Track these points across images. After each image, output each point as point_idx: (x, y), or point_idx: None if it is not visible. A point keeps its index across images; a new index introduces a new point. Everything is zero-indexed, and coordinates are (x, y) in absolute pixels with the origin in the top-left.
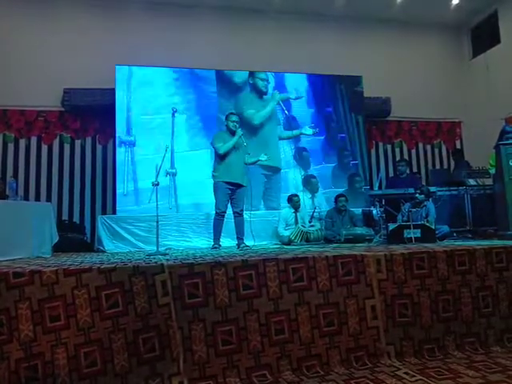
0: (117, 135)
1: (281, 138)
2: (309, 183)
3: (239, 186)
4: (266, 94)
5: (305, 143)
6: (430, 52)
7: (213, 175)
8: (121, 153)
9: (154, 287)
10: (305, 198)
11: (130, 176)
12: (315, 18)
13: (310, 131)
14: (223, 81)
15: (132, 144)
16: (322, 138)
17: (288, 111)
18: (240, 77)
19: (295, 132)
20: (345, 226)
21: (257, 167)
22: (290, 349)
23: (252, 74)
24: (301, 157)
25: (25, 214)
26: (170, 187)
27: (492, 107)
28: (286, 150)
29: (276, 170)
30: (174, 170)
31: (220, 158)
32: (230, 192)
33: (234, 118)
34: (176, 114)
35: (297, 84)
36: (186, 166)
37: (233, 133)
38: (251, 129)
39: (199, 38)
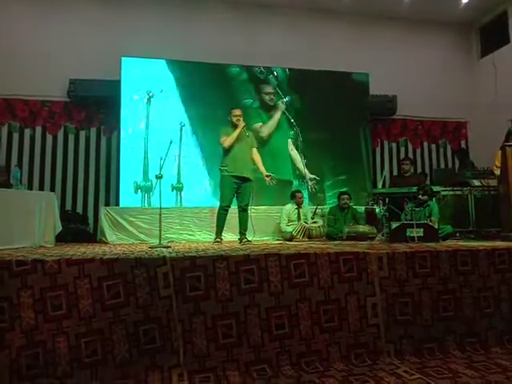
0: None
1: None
2: (316, 198)
3: (245, 179)
4: (272, 106)
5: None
6: (438, 50)
7: (220, 169)
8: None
9: (155, 279)
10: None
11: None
12: (323, 14)
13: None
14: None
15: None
16: None
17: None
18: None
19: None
20: (347, 224)
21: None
22: (290, 344)
23: (258, 88)
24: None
25: (28, 203)
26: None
27: (499, 108)
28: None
29: (287, 184)
30: (180, 185)
31: (225, 151)
32: (236, 186)
33: (237, 112)
34: (184, 129)
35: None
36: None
37: (236, 126)
38: (260, 142)
39: (205, 32)
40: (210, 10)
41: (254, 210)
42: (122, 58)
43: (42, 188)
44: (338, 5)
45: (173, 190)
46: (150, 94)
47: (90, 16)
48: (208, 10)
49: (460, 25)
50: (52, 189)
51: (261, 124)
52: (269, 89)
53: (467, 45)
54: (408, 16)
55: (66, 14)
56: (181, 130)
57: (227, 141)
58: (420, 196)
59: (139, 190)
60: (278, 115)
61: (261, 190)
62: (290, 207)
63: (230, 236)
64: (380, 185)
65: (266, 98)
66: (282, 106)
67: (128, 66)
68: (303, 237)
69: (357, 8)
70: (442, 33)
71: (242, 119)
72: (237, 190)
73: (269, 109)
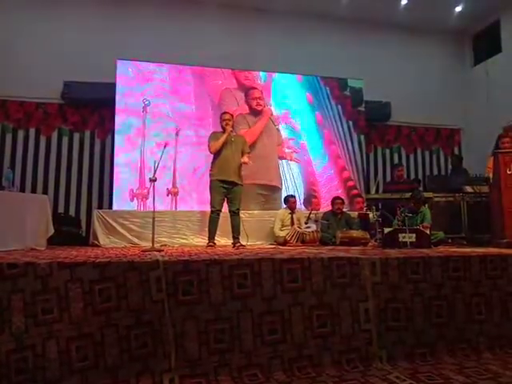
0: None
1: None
2: (309, 203)
3: (234, 184)
4: (260, 111)
5: None
6: (432, 58)
7: (209, 173)
8: None
9: (148, 283)
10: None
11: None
12: (316, 19)
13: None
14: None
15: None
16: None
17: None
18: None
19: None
20: (340, 229)
21: (253, 186)
22: (282, 349)
23: (246, 94)
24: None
25: (20, 205)
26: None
27: (492, 115)
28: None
29: (275, 190)
30: (176, 189)
31: (214, 156)
32: (226, 191)
33: (226, 116)
34: (180, 133)
35: (295, 88)
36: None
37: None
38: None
39: (200, 36)
40: (207, 15)
41: (247, 215)
42: (117, 61)
43: (34, 190)
44: (332, 11)
45: (168, 195)
46: (146, 102)
47: (85, 18)
48: (204, 15)
49: (453, 33)
50: (45, 191)
51: (246, 130)
52: (256, 94)
53: (460, 53)
54: (402, 24)
55: (61, 16)
56: (176, 134)
57: (213, 146)
58: (413, 205)
59: (135, 198)
60: (262, 121)
61: (249, 196)
62: (283, 212)
63: (223, 240)
64: (373, 190)
65: (253, 102)
66: (268, 111)
67: (123, 68)
68: (297, 241)
69: (352, 15)
70: (435, 40)
71: (230, 123)
72: (226, 194)
73: (255, 114)
